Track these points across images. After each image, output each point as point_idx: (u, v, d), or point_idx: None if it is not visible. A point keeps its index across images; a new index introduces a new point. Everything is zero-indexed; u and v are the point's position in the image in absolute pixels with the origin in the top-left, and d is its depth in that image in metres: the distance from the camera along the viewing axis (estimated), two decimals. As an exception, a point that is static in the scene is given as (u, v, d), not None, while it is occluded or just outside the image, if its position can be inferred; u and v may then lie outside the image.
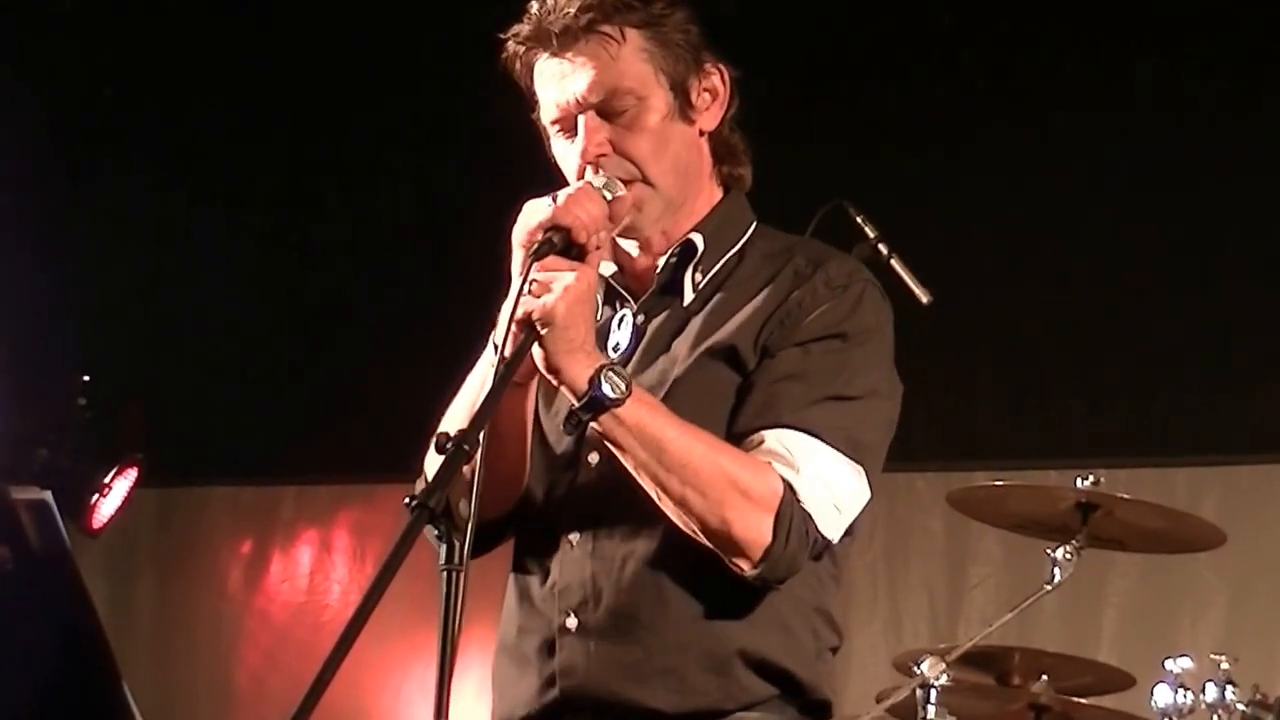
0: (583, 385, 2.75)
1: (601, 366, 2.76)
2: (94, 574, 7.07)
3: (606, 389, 2.74)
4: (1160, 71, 6.38)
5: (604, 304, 3.01)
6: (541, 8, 2.93)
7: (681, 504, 2.80)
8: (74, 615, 2.62)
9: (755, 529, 2.80)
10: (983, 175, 6.47)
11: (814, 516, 2.84)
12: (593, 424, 2.79)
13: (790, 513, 2.81)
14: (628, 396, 2.76)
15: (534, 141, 3.07)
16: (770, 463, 2.84)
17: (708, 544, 2.83)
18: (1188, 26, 6.37)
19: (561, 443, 2.96)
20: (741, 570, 2.83)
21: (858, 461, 2.89)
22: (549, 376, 2.79)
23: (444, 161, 7.03)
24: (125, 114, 7.30)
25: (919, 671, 4.72)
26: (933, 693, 4.70)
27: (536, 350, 2.75)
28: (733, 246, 3.04)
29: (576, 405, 2.77)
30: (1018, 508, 5.04)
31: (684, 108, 2.97)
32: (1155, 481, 6.07)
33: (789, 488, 2.82)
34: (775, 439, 2.85)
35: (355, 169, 7.22)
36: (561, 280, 2.75)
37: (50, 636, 2.61)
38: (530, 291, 2.74)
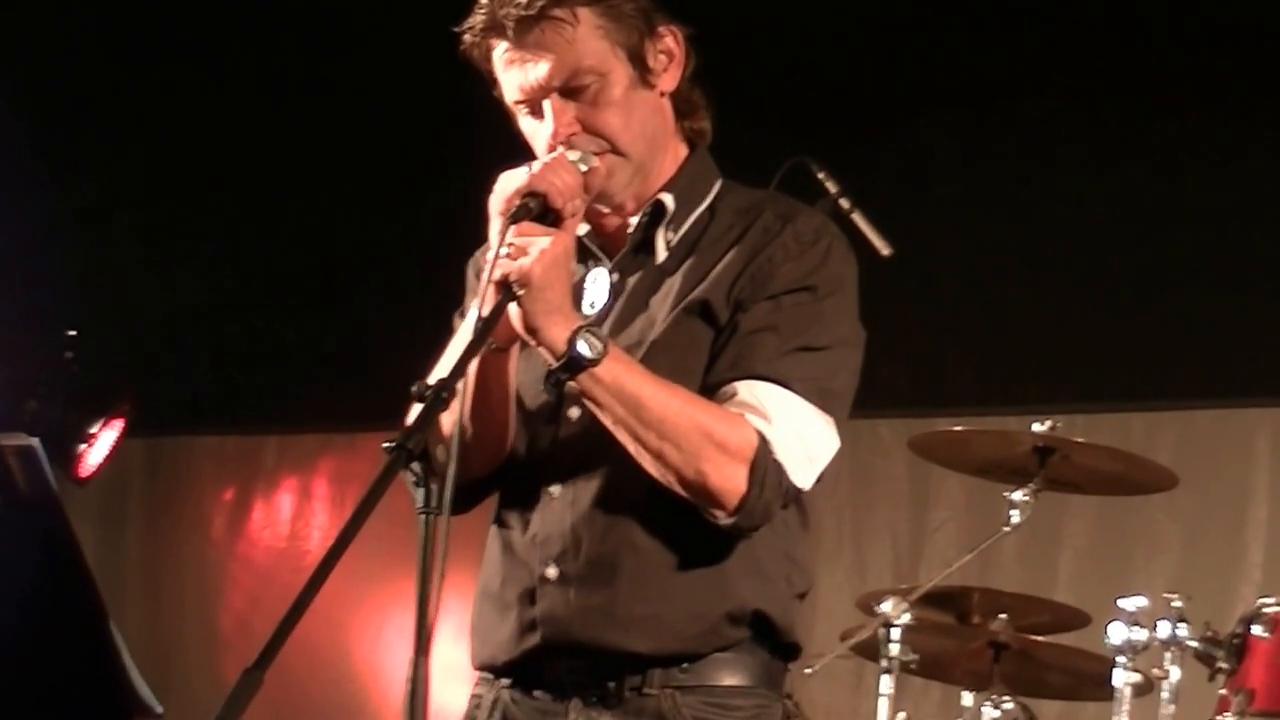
0: (561, 345, 2.79)
1: (579, 327, 2.79)
2: (84, 521, 7.10)
3: (584, 349, 2.78)
4: (1123, 49, 6.41)
5: (578, 262, 3.02)
6: None
7: (659, 458, 2.84)
8: (61, 556, 2.64)
9: (731, 479, 2.85)
10: (945, 130, 6.50)
11: (786, 466, 2.88)
12: (571, 383, 2.83)
13: (764, 463, 2.85)
14: (605, 356, 2.79)
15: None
16: (743, 414, 2.87)
17: (686, 495, 2.87)
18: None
19: (541, 398, 2.99)
20: (718, 519, 2.87)
21: (827, 411, 2.93)
22: (527, 337, 2.82)
23: (428, 117, 6.98)
24: (116, 77, 7.31)
25: (882, 611, 4.83)
26: (895, 631, 4.82)
27: (515, 311, 2.79)
28: (701, 203, 3.07)
29: (555, 365, 2.81)
30: (978, 452, 5.12)
31: (643, 75, 2.99)
32: (1111, 426, 6.10)
33: (762, 439, 2.86)
34: (748, 390, 2.89)
35: (341, 124, 7.21)
36: (538, 244, 2.78)
37: (38, 576, 2.63)
38: (508, 255, 2.79)
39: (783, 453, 2.88)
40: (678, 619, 2.93)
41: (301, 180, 7.31)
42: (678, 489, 2.87)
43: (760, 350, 2.92)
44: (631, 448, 2.86)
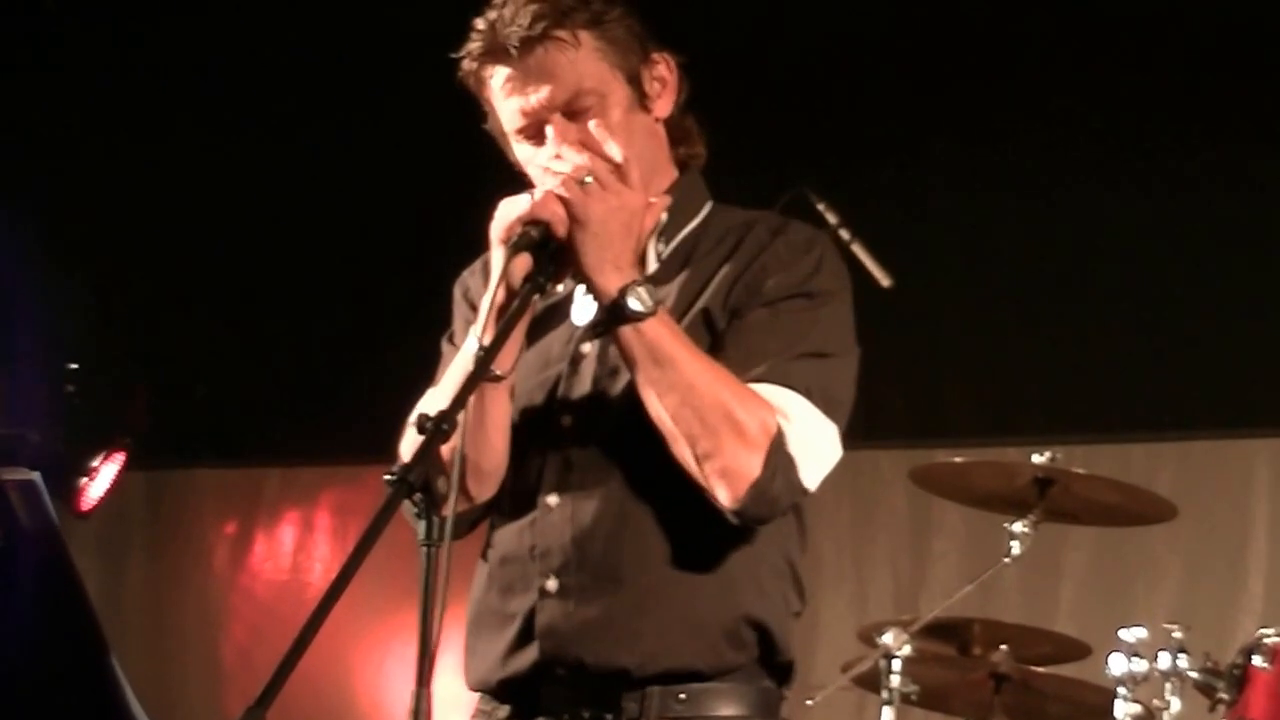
0: (613, 292, 2.82)
1: (634, 280, 2.83)
2: (86, 554, 7.15)
3: (633, 302, 2.82)
4: (1124, 78, 6.43)
5: (572, 276, 3.00)
6: (491, 22, 2.97)
7: (678, 424, 2.83)
8: (63, 590, 2.64)
9: (745, 462, 2.83)
10: (944, 161, 6.51)
11: (798, 461, 2.87)
12: (614, 332, 2.85)
13: (779, 453, 2.84)
14: (653, 314, 2.82)
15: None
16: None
17: (696, 474, 2.85)
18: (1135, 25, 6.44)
19: (536, 407, 2.99)
20: (724, 504, 2.85)
21: (831, 418, 2.93)
22: (584, 278, 2.85)
23: (425, 141, 6.95)
24: (113, 100, 7.32)
25: (883, 642, 4.83)
26: (896, 663, 4.82)
27: (580, 247, 2.82)
28: (693, 219, 3.09)
29: (601, 315, 2.85)
30: (978, 483, 5.14)
31: (640, 98, 3.02)
32: (1111, 457, 6.09)
33: (779, 428, 2.86)
34: (759, 390, 2.88)
35: (339, 151, 7.20)
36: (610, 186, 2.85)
37: (39, 611, 2.62)
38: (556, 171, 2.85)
39: (795, 447, 2.87)
40: (677, 635, 2.92)
41: (301, 216, 7.30)
42: (690, 465, 2.85)
43: (762, 357, 2.91)
44: (653, 411, 2.85)
